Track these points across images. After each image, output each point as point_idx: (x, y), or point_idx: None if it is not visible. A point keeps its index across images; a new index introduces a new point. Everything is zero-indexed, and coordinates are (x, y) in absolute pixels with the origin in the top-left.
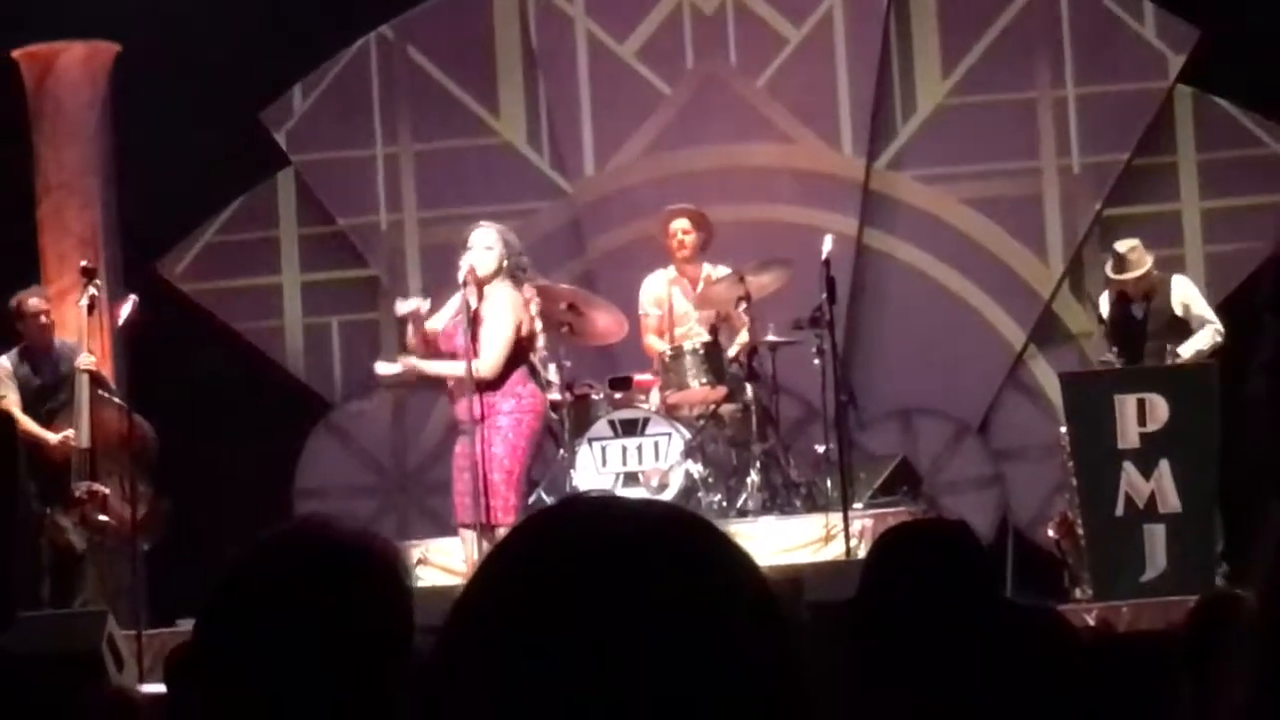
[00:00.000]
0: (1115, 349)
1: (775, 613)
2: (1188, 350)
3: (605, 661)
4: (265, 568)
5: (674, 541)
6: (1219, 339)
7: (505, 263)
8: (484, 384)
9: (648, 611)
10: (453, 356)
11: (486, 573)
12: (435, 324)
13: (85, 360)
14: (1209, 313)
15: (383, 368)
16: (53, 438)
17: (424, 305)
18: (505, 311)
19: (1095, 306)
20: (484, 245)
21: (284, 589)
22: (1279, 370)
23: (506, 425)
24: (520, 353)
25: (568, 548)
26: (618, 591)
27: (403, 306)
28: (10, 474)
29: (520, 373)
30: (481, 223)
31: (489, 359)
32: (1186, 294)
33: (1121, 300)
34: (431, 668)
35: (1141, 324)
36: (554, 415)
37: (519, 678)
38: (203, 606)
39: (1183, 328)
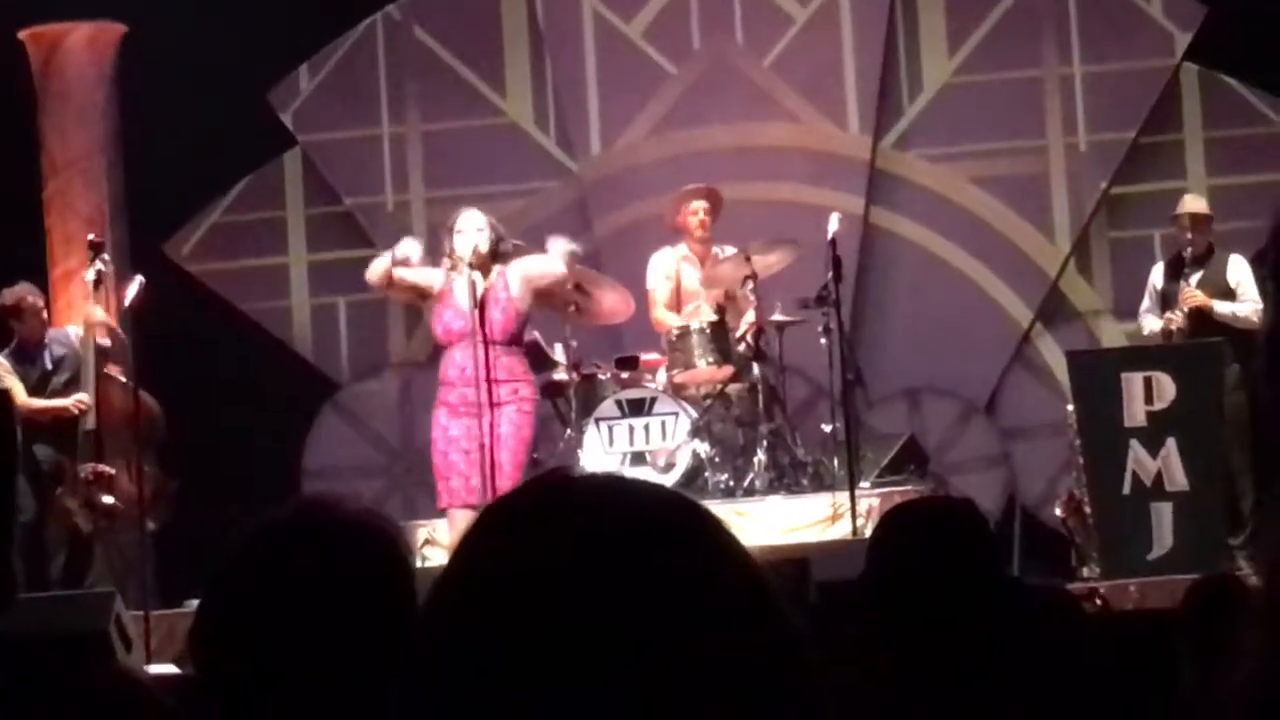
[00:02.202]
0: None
1: (765, 594)
2: (1225, 308)
3: (583, 640)
4: (268, 548)
5: (659, 519)
6: (1256, 320)
7: (500, 245)
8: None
9: (633, 590)
10: (460, 337)
11: (463, 553)
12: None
13: (98, 314)
14: (1256, 295)
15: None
16: (66, 402)
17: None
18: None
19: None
20: (476, 227)
21: (286, 569)
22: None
23: (512, 408)
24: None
25: (545, 527)
26: (599, 569)
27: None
28: (8, 453)
29: (525, 358)
30: (465, 207)
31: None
32: (1242, 272)
33: (1176, 265)
34: (412, 647)
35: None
36: (560, 396)
37: (494, 659)
38: (206, 586)
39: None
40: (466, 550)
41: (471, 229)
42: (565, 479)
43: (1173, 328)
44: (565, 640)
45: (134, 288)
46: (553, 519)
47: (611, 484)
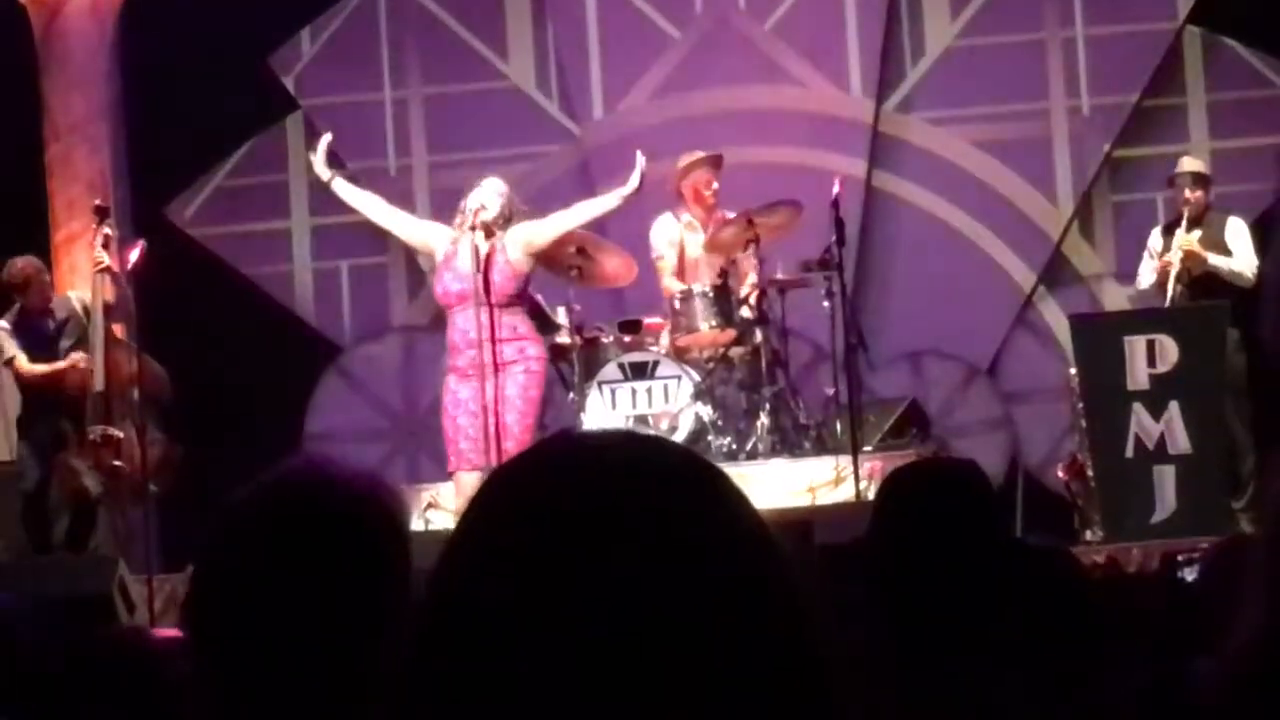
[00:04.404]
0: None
1: (774, 550)
2: (1220, 261)
3: (595, 601)
4: (261, 511)
5: (671, 479)
6: (1251, 275)
7: (512, 215)
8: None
9: (644, 551)
10: (460, 300)
11: (472, 516)
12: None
13: (101, 256)
14: (1253, 256)
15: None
16: (66, 363)
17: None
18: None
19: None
20: (495, 191)
21: (279, 532)
22: None
23: (519, 368)
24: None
25: (558, 488)
26: (611, 531)
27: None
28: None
29: (530, 319)
30: (488, 176)
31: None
32: (1240, 233)
33: (1175, 228)
34: (423, 611)
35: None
36: (563, 359)
37: (509, 621)
38: (200, 550)
39: None
40: (475, 513)
41: (489, 192)
42: (573, 439)
43: (1165, 264)
44: (577, 602)
45: (136, 252)
46: (562, 480)
47: (620, 441)
